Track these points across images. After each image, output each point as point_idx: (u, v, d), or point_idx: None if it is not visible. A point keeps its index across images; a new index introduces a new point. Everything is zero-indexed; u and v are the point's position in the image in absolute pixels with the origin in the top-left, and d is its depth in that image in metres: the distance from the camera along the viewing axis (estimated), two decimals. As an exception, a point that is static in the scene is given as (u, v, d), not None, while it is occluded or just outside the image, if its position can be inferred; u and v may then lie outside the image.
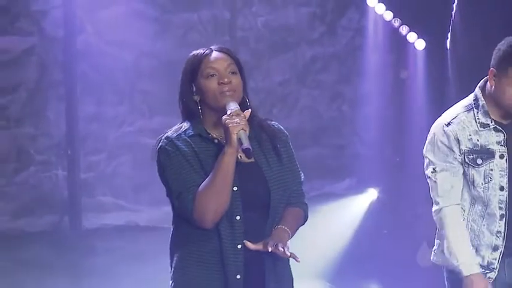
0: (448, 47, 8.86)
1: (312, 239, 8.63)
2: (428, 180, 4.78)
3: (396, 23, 9.38)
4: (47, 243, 8.87)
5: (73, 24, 9.24)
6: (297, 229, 4.12)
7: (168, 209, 9.31)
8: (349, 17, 9.97)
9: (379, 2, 9.43)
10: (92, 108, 9.36)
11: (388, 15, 9.40)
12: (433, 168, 4.75)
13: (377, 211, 9.18)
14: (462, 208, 4.75)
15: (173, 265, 4.12)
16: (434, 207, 4.74)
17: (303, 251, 8.84)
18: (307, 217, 4.20)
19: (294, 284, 4.19)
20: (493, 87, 4.68)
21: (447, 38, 8.85)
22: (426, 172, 4.77)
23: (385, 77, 9.88)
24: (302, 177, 4.19)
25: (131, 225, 9.27)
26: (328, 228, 8.91)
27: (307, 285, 8.09)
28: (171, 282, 4.13)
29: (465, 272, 4.66)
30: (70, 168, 9.30)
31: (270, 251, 3.88)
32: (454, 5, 8.77)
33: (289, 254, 3.89)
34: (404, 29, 9.38)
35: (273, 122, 4.19)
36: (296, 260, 3.96)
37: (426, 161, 4.79)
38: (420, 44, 9.32)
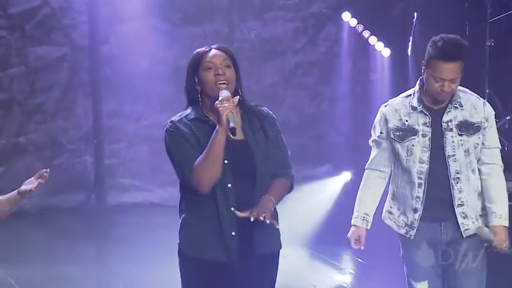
0: (409, 54, 8.88)
1: (296, 213, 8.65)
2: None
3: (366, 34, 9.40)
4: (77, 217, 8.91)
5: (97, 36, 9.28)
6: (283, 196, 4.13)
7: (173, 190, 9.37)
8: (328, 30, 9.98)
9: (352, 17, 9.45)
10: (114, 105, 9.38)
11: (360, 28, 9.42)
12: (370, 140, 4.85)
13: (350, 190, 9.18)
14: (397, 176, 4.80)
15: (180, 225, 4.14)
16: None
17: (288, 223, 8.83)
18: (293, 186, 4.19)
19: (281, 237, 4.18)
20: (424, 77, 4.74)
21: (408, 47, 8.87)
22: None
23: (357, 79, 9.90)
24: (289, 152, 4.20)
25: (146, 203, 9.29)
26: (310, 204, 8.93)
27: (291, 250, 8.10)
28: (178, 240, 4.15)
29: (352, 222, 4.81)
30: (96, 155, 9.36)
31: (252, 220, 3.90)
32: (414, 20, 8.79)
33: (268, 222, 3.91)
34: (373, 39, 9.40)
35: (263, 108, 4.20)
36: (275, 227, 3.99)
37: None
38: (386, 52, 9.34)
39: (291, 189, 4.19)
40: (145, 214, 8.88)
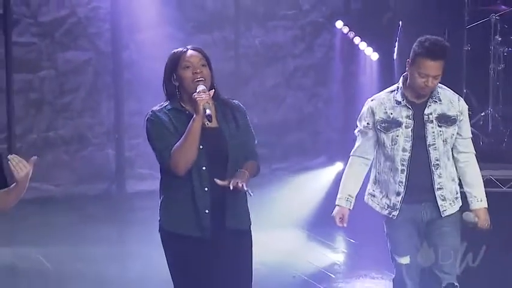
0: (395, 58, 8.84)
1: (294, 198, 8.71)
2: None
3: (357, 40, 9.38)
4: (100, 203, 8.90)
5: (119, 43, 9.28)
6: (254, 174, 4.15)
7: None
8: (323, 37, 9.95)
9: (344, 25, 9.44)
10: (134, 105, 9.35)
11: (351, 35, 9.41)
12: (356, 130, 4.85)
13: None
14: (379, 162, 4.81)
15: (160, 204, 4.17)
16: None
17: (287, 208, 8.86)
18: (259, 168, 4.22)
19: (251, 220, 4.22)
20: (408, 74, 4.73)
21: (394, 51, 8.83)
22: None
23: (349, 81, 9.88)
24: (255, 141, 4.23)
25: (162, 190, 9.27)
26: (307, 191, 8.95)
27: (289, 232, 8.14)
28: (159, 218, 4.18)
29: (336, 202, 4.87)
30: (117, 149, 9.34)
31: (231, 188, 3.94)
32: (400, 27, 8.76)
33: (245, 189, 3.96)
34: (362, 45, 9.38)
35: (235, 101, 4.25)
36: (250, 194, 4.03)
37: None
38: (374, 56, 9.32)
39: (258, 170, 4.20)
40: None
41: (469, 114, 5.02)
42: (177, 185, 4.04)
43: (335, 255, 7.80)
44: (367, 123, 4.78)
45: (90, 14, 9.16)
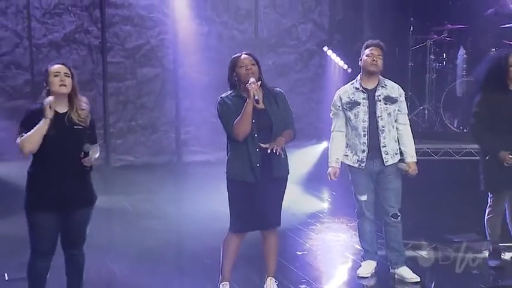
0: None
1: (295, 165, 8.66)
2: None
3: (337, 60, 9.44)
4: (166, 169, 9.04)
5: (178, 62, 9.38)
6: (289, 140, 4.23)
7: (224, 154, 9.20)
8: (315, 59, 9.95)
9: (329, 49, 9.51)
10: (187, 103, 9.46)
11: (333, 56, 9.46)
12: (331, 114, 4.90)
13: (327, 153, 9.20)
14: (348, 133, 4.83)
15: (227, 160, 4.26)
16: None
17: (291, 171, 8.90)
18: (295, 135, 4.30)
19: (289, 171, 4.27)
20: (361, 63, 4.79)
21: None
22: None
23: (333, 88, 9.87)
24: (293, 115, 4.32)
25: (207, 161, 9.25)
26: (304, 160, 8.98)
27: (291, 187, 7.97)
28: (225, 169, 4.24)
29: (329, 164, 4.86)
30: (177, 133, 9.45)
31: (268, 151, 4.02)
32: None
33: (277, 153, 4.04)
34: (341, 62, 9.43)
35: (277, 88, 4.30)
36: (279, 154, 4.06)
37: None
38: (349, 70, 9.36)
39: (294, 136, 4.28)
40: (206, 168, 8.91)
41: (408, 106, 5.07)
42: (238, 147, 4.11)
43: (322, 202, 7.88)
44: (338, 106, 4.83)
45: (159, 43, 9.30)
